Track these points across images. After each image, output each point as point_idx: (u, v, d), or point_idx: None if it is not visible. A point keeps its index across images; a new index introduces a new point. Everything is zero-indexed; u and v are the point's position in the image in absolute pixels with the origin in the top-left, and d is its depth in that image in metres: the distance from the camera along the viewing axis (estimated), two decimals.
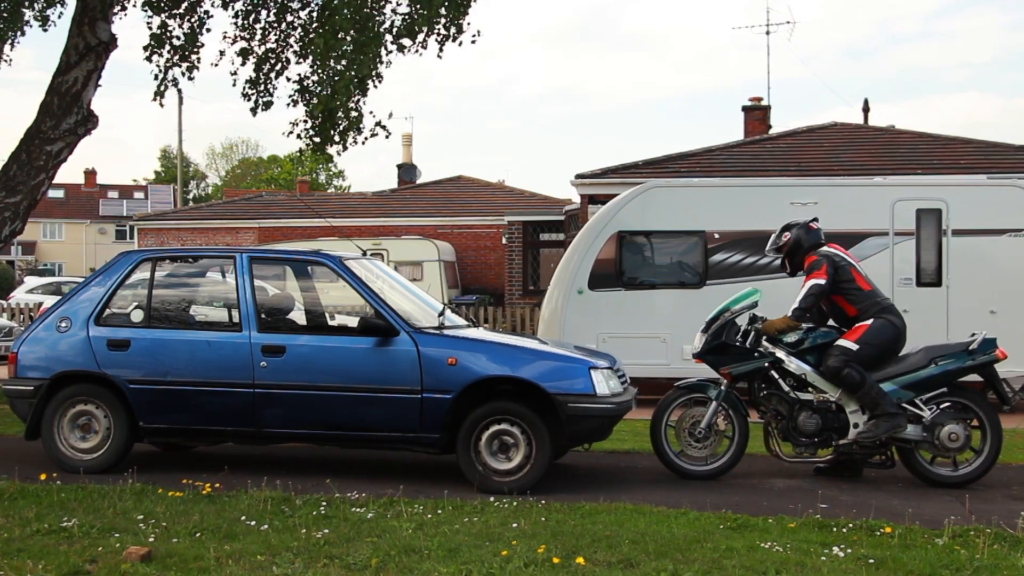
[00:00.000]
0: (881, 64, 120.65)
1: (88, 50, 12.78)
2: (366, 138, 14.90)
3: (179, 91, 21.01)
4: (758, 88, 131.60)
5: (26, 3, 13.20)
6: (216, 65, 14.98)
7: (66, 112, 12.73)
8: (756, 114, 26.72)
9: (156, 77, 14.43)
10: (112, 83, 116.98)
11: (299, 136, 14.98)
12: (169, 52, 14.37)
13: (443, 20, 14.04)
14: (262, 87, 14.88)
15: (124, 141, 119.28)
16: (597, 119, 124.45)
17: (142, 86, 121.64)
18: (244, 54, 14.62)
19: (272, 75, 14.84)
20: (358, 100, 14.53)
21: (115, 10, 13.41)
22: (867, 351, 8.57)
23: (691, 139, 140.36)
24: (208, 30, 14.45)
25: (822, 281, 8.70)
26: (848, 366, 8.50)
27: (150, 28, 14.27)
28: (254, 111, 14.88)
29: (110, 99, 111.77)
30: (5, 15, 12.55)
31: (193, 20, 14.29)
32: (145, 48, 14.17)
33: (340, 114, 14.48)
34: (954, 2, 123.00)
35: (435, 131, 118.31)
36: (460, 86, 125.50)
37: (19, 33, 13.72)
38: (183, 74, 14.62)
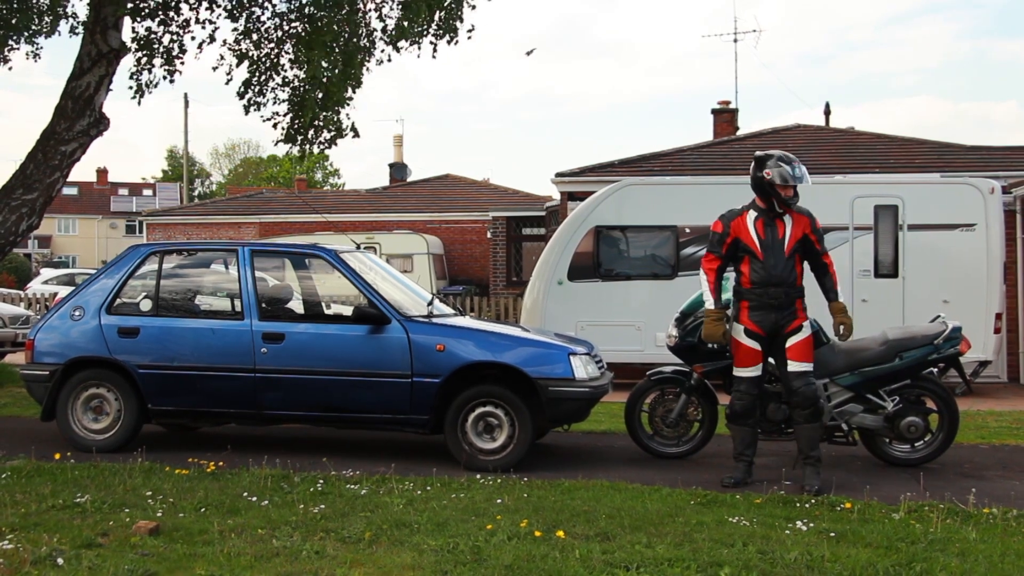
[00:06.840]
0: (839, 70, 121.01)
1: (100, 57, 12.73)
2: (337, 140, 14.64)
3: (185, 95, 20.95)
4: (726, 92, 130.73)
5: (34, 14, 13.04)
6: (216, 69, 14.64)
7: (79, 115, 12.68)
8: (724, 116, 26.67)
9: (132, 76, 14.25)
10: (122, 87, 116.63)
11: (275, 126, 14.64)
12: (148, 56, 14.15)
13: (433, 26, 13.98)
14: (256, 89, 14.53)
15: (133, 142, 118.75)
16: (575, 121, 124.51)
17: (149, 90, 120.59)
18: (240, 58, 14.27)
19: (264, 79, 14.51)
20: (341, 107, 14.31)
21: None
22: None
23: (663, 140, 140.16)
24: (192, 37, 14.21)
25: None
26: (817, 395, 7.69)
27: (135, 33, 14.05)
28: (246, 110, 14.51)
29: (120, 102, 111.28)
30: (14, 21, 12.42)
31: (176, 28, 14.11)
32: (135, 52, 13.97)
33: (320, 121, 14.25)
34: (904, 12, 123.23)
35: (424, 132, 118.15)
36: (445, 90, 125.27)
37: (27, 41, 13.49)
38: (164, 77, 14.45)
